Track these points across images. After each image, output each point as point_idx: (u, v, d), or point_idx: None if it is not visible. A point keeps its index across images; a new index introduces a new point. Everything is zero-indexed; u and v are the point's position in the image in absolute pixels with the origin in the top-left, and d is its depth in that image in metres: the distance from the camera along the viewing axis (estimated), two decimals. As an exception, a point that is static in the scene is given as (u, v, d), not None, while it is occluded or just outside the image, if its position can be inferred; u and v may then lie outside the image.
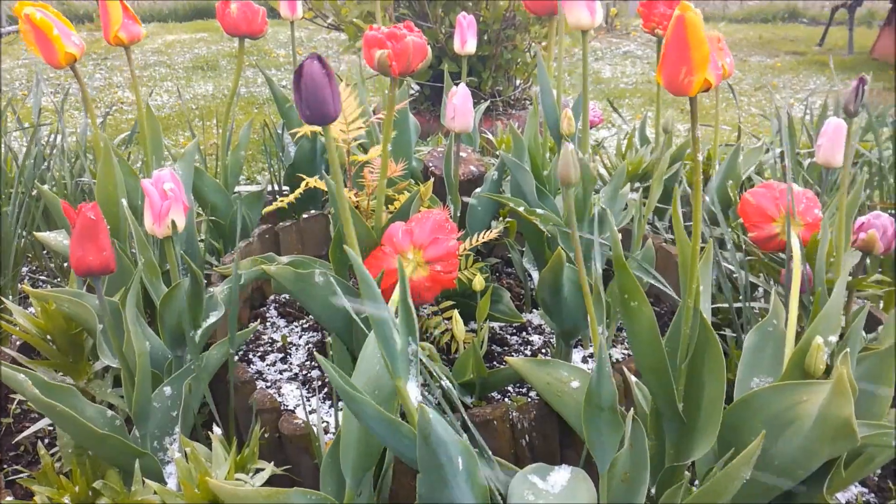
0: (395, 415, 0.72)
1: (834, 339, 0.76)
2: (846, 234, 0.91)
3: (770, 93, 3.22)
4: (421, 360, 0.81)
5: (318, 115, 0.67)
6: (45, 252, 1.46)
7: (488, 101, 1.69)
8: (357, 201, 1.03)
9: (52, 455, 0.92)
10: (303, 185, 1.08)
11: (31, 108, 1.66)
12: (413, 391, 0.66)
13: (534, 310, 1.19)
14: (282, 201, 1.09)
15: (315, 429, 0.84)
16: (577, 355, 1.07)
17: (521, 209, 1.02)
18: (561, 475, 0.74)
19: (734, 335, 1.05)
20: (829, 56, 3.29)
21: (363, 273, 0.64)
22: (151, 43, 5.13)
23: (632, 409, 0.74)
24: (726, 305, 1.08)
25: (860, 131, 1.65)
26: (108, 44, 1.05)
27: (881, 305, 1.11)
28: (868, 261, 1.02)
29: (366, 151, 1.11)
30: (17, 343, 1.08)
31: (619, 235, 0.76)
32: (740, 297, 1.05)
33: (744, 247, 1.14)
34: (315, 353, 0.65)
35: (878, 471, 0.95)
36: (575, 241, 0.71)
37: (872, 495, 0.91)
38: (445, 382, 0.84)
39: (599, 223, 1.00)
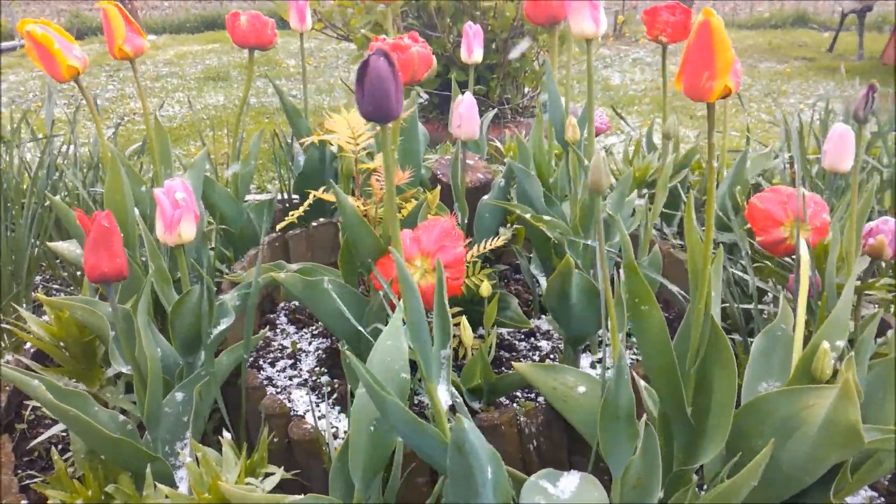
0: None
1: (842, 343, 0.76)
2: (857, 240, 0.91)
3: (778, 99, 3.22)
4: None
5: (380, 112, 0.65)
6: (58, 261, 1.47)
7: (495, 110, 1.71)
8: (365, 210, 1.04)
9: (66, 460, 0.93)
10: (310, 198, 1.09)
11: (45, 119, 1.68)
12: (443, 395, 0.67)
13: (542, 315, 1.19)
14: (292, 216, 1.10)
15: (325, 434, 0.85)
16: (584, 361, 1.07)
17: (527, 216, 1.03)
18: (571, 480, 0.74)
19: (742, 339, 1.05)
20: (840, 62, 3.28)
21: (407, 277, 0.65)
22: (163, 54, 5.18)
23: (644, 415, 0.74)
24: (735, 308, 1.08)
25: (869, 138, 1.64)
26: (113, 57, 1.06)
27: (893, 310, 1.10)
28: (882, 265, 1.02)
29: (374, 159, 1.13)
30: (31, 350, 1.10)
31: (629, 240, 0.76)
32: (749, 302, 1.05)
33: (750, 252, 1.15)
34: (344, 352, 0.66)
35: (888, 474, 0.94)
36: (601, 250, 0.72)
37: (882, 499, 0.90)
38: (452, 388, 0.84)
39: (607, 229, 1.01)
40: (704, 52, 0.59)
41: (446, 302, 0.67)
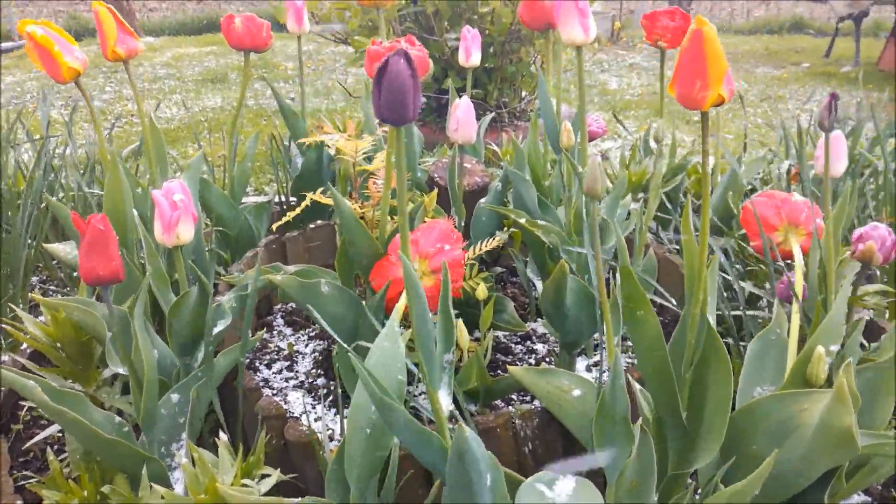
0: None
1: (835, 348, 0.76)
2: (835, 246, 0.91)
3: (775, 103, 3.23)
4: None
5: (396, 115, 0.63)
6: (54, 262, 1.47)
7: (493, 113, 1.71)
8: (362, 212, 1.04)
9: (61, 461, 0.93)
10: (307, 199, 1.09)
11: (40, 120, 1.68)
12: (444, 400, 0.67)
13: (538, 319, 1.20)
14: (288, 216, 1.10)
15: (320, 436, 0.85)
16: (580, 364, 1.08)
17: (522, 220, 1.03)
18: (567, 484, 0.75)
19: (735, 344, 1.06)
20: (837, 67, 3.29)
21: (415, 283, 0.65)
22: (161, 56, 5.18)
23: (639, 419, 0.74)
24: (728, 312, 1.08)
25: (868, 143, 1.65)
26: (107, 59, 1.05)
27: (886, 315, 1.11)
28: (877, 272, 1.02)
29: (372, 163, 1.13)
30: (28, 351, 1.10)
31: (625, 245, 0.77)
32: (741, 307, 1.05)
33: (744, 257, 1.15)
34: (353, 358, 0.66)
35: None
36: (598, 257, 0.72)
37: (875, 503, 0.91)
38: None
39: (601, 234, 1.01)
40: (697, 61, 0.58)
41: (451, 305, 0.67)
